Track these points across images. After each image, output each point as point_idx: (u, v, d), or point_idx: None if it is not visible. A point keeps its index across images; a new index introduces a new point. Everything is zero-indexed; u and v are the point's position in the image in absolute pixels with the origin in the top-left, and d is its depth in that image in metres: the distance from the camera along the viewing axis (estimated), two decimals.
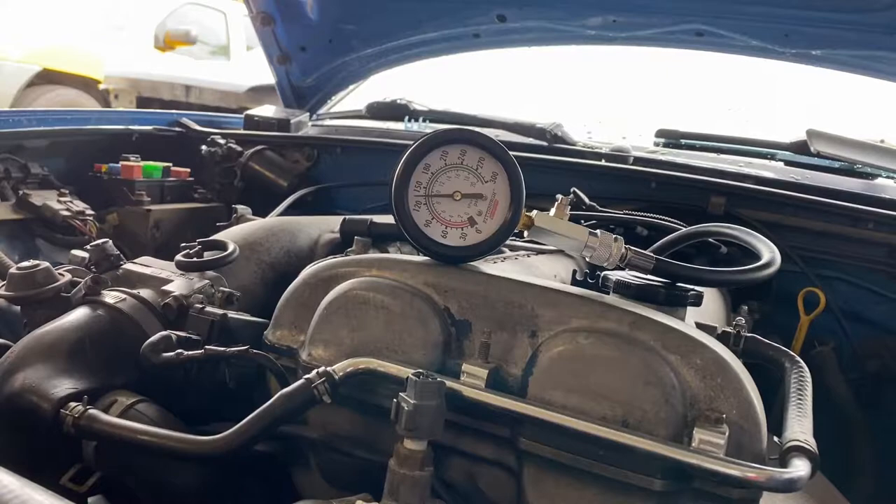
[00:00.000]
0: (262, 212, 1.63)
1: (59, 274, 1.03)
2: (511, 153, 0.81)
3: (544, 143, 2.07)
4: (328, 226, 1.37)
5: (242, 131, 2.32)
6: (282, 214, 1.83)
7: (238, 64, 6.39)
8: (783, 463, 0.66)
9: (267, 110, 2.42)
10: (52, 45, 5.76)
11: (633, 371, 0.70)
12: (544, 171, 1.79)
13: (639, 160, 1.90)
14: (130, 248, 1.77)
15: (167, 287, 1.01)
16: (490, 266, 0.89)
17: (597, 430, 0.67)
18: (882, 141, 1.91)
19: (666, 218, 1.49)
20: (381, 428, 0.78)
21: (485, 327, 0.78)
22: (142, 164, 1.94)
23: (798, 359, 0.90)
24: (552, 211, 0.79)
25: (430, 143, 0.81)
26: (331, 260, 0.93)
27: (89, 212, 1.75)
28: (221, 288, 1.05)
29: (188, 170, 2.08)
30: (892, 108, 2.06)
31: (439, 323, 0.79)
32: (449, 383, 0.71)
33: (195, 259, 1.09)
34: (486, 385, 0.73)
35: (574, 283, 0.95)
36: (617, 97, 2.76)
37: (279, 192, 2.05)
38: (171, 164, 2.03)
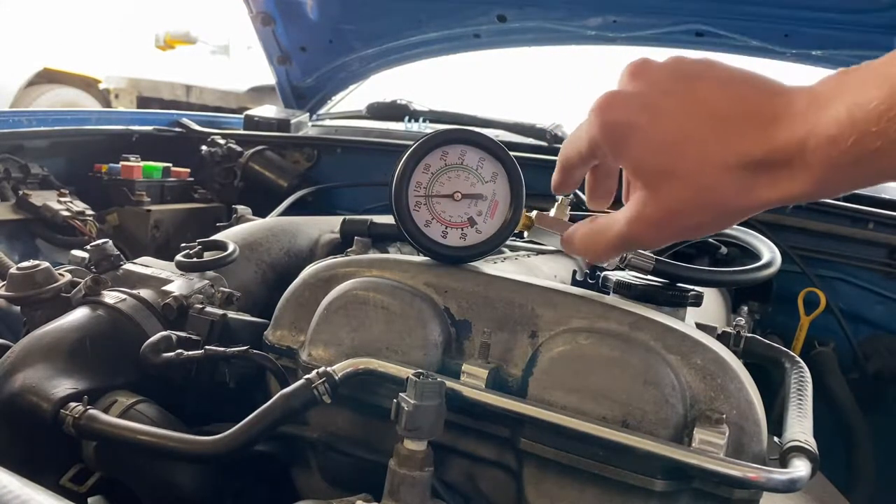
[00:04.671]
0: (262, 212, 1.63)
1: (59, 274, 1.03)
2: (511, 153, 0.81)
3: (544, 143, 2.07)
4: (328, 226, 1.37)
5: (242, 131, 2.32)
6: (282, 214, 1.83)
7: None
8: (783, 463, 0.66)
9: (267, 110, 2.42)
10: (53, 44, 5.76)
11: (633, 371, 0.70)
12: (544, 171, 1.78)
13: None
14: (130, 248, 1.77)
15: (167, 287, 1.01)
16: (490, 266, 0.89)
17: (597, 430, 0.67)
18: None
19: None
20: (382, 428, 0.78)
21: (485, 327, 0.78)
22: (142, 164, 1.94)
23: (798, 359, 0.90)
24: (552, 211, 0.79)
25: (430, 144, 0.81)
26: (331, 260, 0.93)
27: (89, 212, 1.75)
28: (221, 288, 1.05)
29: (188, 170, 2.07)
30: None
31: (439, 323, 0.79)
32: (449, 383, 0.70)
33: (195, 259, 1.09)
34: (486, 385, 0.73)
35: (574, 283, 0.95)
36: None
37: (279, 192, 2.05)
38: (171, 165, 2.03)
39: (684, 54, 0.60)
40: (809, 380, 0.84)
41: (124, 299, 0.97)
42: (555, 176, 0.72)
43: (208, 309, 0.96)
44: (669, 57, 0.61)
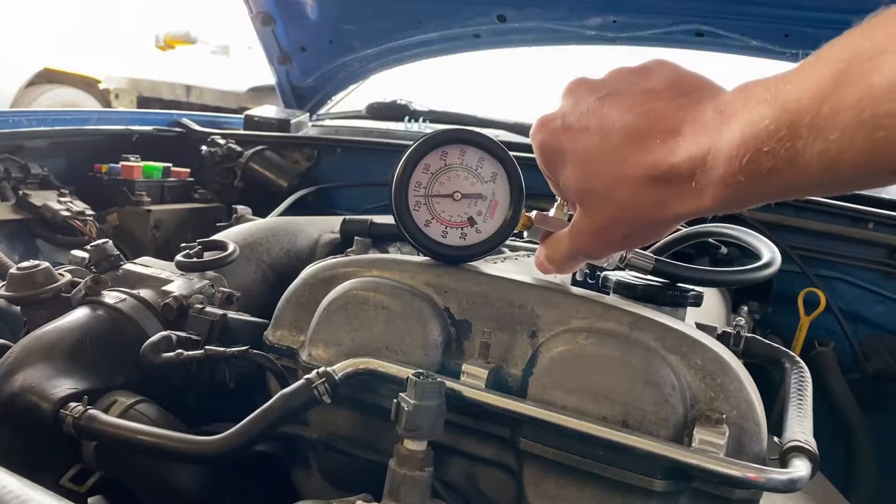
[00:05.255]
0: (262, 212, 1.63)
1: (59, 274, 1.03)
2: (511, 153, 0.81)
3: None
4: (328, 226, 1.37)
5: (242, 131, 2.32)
6: (282, 214, 1.83)
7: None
8: (783, 463, 0.66)
9: (267, 110, 2.42)
10: (53, 44, 5.76)
11: (633, 371, 0.70)
12: None
13: None
14: (130, 248, 1.77)
15: (167, 287, 1.01)
16: (490, 266, 0.90)
17: (597, 430, 0.67)
18: None
19: None
20: (382, 428, 0.78)
21: (485, 327, 0.78)
22: (142, 164, 1.94)
23: (798, 359, 0.90)
24: (552, 211, 0.79)
25: (430, 144, 0.81)
26: (331, 260, 0.93)
27: (89, 212, 1.75)
28: (221, 288, 1.05)
29: (188, 170, 2.08)
30: None
31: (439, 323, 0.79)
32: (449, 383, 0.71)
33: (195, 259, 1.09)
34: (487, 385, 0.73)
35: (574, 283, 0.95)
36: None
37: (279, 192, 2.05)
38: (171, 165, 2.03)
39: (684, 54, 0.60)
40: (809, 380, 0.84)
41: (124, 299, 0.97)
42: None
43: (208, 309, 0.96)
44: (609, 71, 0.62)
